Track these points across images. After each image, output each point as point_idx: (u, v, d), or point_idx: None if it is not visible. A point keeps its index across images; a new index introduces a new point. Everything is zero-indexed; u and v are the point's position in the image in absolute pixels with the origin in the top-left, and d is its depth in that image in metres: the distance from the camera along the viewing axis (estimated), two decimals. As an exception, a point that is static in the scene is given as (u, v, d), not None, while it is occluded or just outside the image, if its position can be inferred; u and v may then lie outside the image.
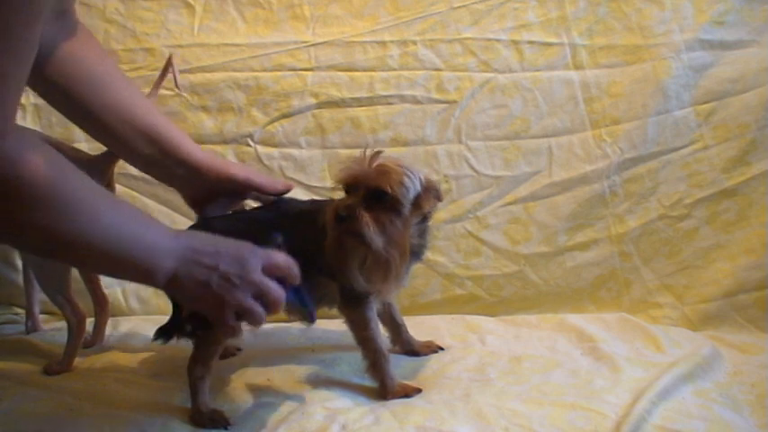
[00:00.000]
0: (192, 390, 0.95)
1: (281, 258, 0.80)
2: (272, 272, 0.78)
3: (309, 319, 0.88)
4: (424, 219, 0.96)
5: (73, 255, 0.72)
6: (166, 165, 0.97)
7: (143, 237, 0.70)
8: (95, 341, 1.25)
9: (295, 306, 0.86)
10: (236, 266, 0.74)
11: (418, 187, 0.91)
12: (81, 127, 1.01)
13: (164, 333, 1.01)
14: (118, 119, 0.94)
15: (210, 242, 0.77)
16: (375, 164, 0.90)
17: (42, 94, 0.97)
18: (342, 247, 0.90)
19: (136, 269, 0.71)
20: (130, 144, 0.95)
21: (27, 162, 0.61)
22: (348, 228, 0.87)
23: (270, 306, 0.77)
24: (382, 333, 1.04)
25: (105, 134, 0.96)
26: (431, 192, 0.93)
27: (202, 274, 0.72)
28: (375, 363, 0.99)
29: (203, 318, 0.81)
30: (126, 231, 0.69)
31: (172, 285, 0.72)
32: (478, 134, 1.38)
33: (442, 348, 1.15)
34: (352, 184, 0.90)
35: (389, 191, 0.87)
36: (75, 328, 1.16)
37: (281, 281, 0.79)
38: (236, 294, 0.74)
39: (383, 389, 0.98)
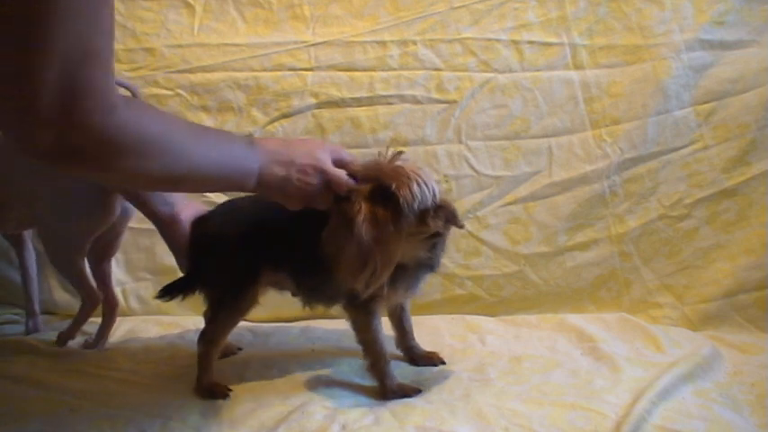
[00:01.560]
0: (198, 363, 1.02)
1: (346, 155, 0.90)
2: (339, 166, 0.88)
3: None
4: (436, 235, 0.92)
5: (179, 186, 0.89)
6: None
7: (230, 155, 0.80)
8: (97, 343, 1.24)
9: None
10: (308, 158, 0.85)
11: (428, 201, 0.88)
12: None
13: (168, 291, 1.03)
14: None
15: (283, 142, 0.88)
16: (394, 163, 0.89)
17: None
18: (336, 233, 0.88)
19: (231, 182, 0.82)
20: None
21: (136, 128, 0.67)
22: (341, 209, 0.86)
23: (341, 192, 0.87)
24: (385, 334, 1.03)
25: None
26: (441, 213, 0.89)
27: (281, 170, 0.83)
28: (375, 364, 0.99)
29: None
30: (216, 156, 0.78)
31: (259, 185, 0.82)
32: (478, 134, 1.38)
33: (443, 362, 1.10)
34: (364, 175, 0.89)
35: (393, 190, 0.86)
36: (87, 305, 1.21)
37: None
38: (313, 183, 0.85)
39: (383, 389, 0.98)
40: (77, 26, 0.58)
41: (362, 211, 0.85)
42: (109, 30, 0.62)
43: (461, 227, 0.92)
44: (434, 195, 0.89)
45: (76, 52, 0.58)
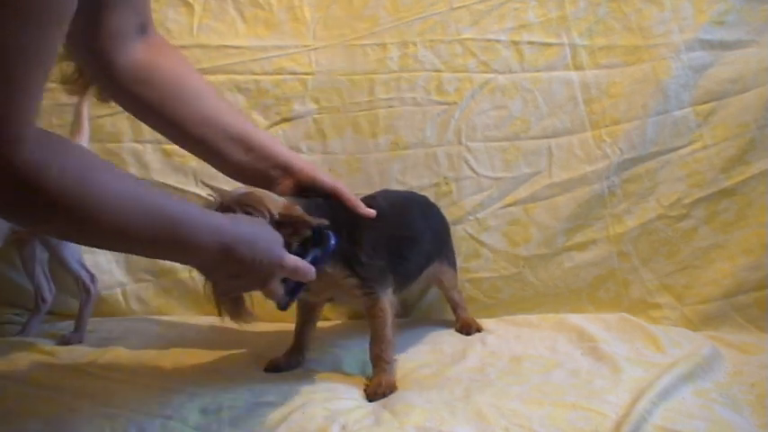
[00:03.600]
0: None
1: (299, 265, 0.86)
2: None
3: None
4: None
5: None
6: (260, 168, 1.00)
7: (179, 235, 0.72)
8: (81, 334, 1.26)
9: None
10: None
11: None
12: (172, 139, 1.03)
13: None
14: (212, 130, 0.97)
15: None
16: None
17: (131, 110, 0.99)
18: None
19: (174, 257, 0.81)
20: (226, 153, 0.98)
21: (49, 169, 0.59)
22: None
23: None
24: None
25: (199, 146, 0.99)
26: (287, 226, 0.89)
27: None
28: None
29: None
30: (159, 230, 0.71)
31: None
32: (478, 135, 1.38)
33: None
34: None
35: None
36: (84, 293, 1.27)
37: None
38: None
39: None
40: None
41: None
42: (41, 60, 0.56)
43: (315, 225, 0.91)
44: (270, 216, 0.88)
45: None
